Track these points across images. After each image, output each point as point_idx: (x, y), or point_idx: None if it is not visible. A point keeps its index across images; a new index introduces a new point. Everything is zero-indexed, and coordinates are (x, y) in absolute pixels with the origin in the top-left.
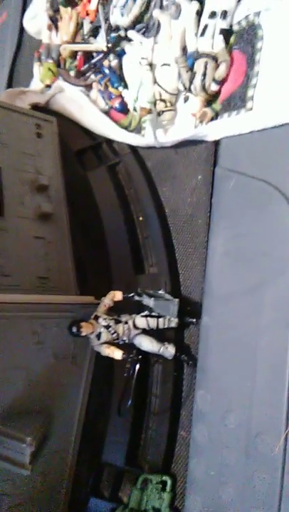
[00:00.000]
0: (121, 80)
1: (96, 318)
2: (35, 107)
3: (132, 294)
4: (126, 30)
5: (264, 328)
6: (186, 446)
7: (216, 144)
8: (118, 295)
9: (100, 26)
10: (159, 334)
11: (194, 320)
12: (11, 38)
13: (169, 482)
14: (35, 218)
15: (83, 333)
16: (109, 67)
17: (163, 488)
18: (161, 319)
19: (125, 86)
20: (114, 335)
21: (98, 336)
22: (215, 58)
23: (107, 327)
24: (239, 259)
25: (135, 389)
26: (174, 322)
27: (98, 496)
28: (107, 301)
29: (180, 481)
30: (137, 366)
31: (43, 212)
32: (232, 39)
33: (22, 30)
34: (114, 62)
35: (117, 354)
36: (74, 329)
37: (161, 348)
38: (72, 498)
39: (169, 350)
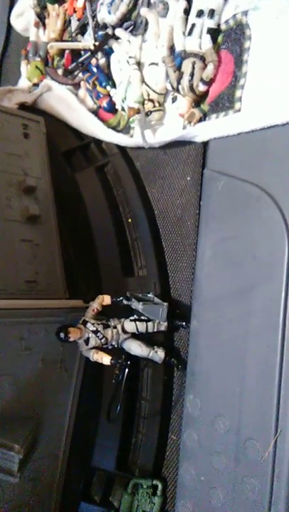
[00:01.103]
0: (109, 78)
1: (84, 323)
2: (23, 106)
3: (120, 298)
4: (113, 28)
5: (253, 333)
6: (177, 450)
7: (205, 145)
8: (107, 299)
9: (87, 24)
10: (148, 338)
11: (184, 323)
12: None
13: (159, 486)
14: (22, 221)
15: (71, 339)
16: (97, 66)
17: (154, 493)
18: (150, 323)
19: (113, 85)
20: (103, 340)
21: (86, 341)
22: (203, 58)
23: (96, 332)
24: (227, 263)
25: (125, 393)
26: (163, 326)
27: (89, 500)
28: (95, 305)
29: (171, 485)
30: (126, 372)
31: (31, 214)
32: (220, 38)
33: (9, 27)
34: (102, 61)
35: (106, 360)
36: (62, 335)
37: (150, 353)
38: (62, 504)
39: (159, 355)
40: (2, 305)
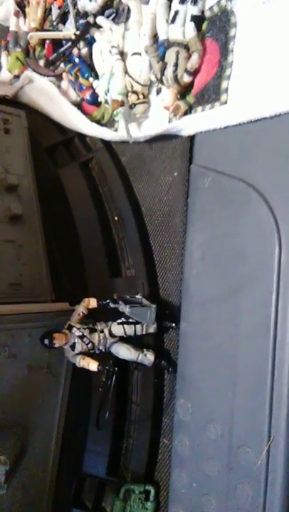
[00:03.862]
0: (92, 69)
1: (70, 327)
2: (3, 99)
3: (107, 301)
4: (95, 16)
5: (243, 335)
6: (169, 454)
7: (192, 139)
8: (92, 302)
9: (68, 12)
10: (137, 341)
11: (174, 324)
12: None
13: (152, 491)
14: (4, 221)
15: (56, 345)
16: (79, 56)
17: (146, 498)
18: (138, 325)
19: (96, 76)
20: (90, 345)
21: (72, 347)
22: (187, 47)
23: (82, 337)
24: (216, 263)
25: (114, 398)
26: (152, 328)
27: (80, 507)
28: (81, 309)
29: (164, 489)
30: (114, 378)
31: (13, 213)
32: (204, 26)
33: None
34: (84, 51)
35: (92, 366)
36: (46, 341)
37: (139, 356)
38: (54, 510)
39: (148, 358)
40: None
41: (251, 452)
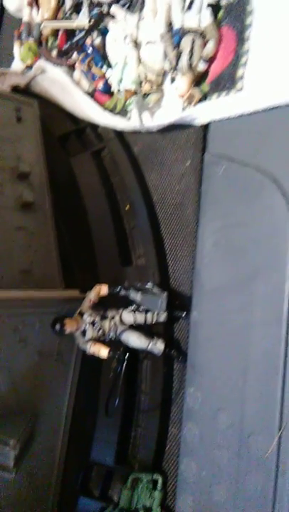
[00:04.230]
0: (105, 59)
1: (81, 314)
2: (16, 89)
3: (118, 289)
4: (109, 5)
5: (256, 324)
6: (177, 443)
7: (205, 127)
8: (104, 289)
9: (82, 2)
10: (147, 329)
11: (184, 314)
12: None
13: (159, 480)
14: (16, 208)
15: (67, 331)
16: (92, 46)
17: (154, 487)
18: (149, 314)
19: (109, 66)
20: (100, 332)
21: (83, 333)
22: (202, 35)
23: (93, 323)
24: (229, 252)
25: (123, 386)
26: (162, 317)
27: (88, 495)
28: (92, 296)
29: (171, 479)
30: (124, 365)
31: (25, 201)
32: (220, 14)
33: (2, 8)
34: (97, 41)
35: (103, 353)
36: (57, 327)
37: (149, 344)
38: (61, 499)
39: (158, 346)
40: None
41: (262, 441)
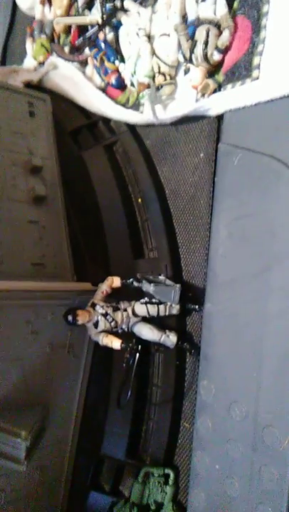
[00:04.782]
0: (117, 53)
1: (93, 305)
2: (28, 85)
3: (130, 280)
4: (122, 0)
5: (271, 315)
6: (189, 437)
7: (219, 118)
8: (116, 281)
9: None
10: (159, 322)
11: (197, 306)
12: (4, 15)
13: (171, 475)
14: (28, 201)
15: (80, 322)
16: (105, 41)
17: (165, 482)
18: (161, 306)
19: (122, 60)
20: (113, 323)
21: (96, 325)
22: (217, 25)
23: (105, 315)
24: (244, 242)
25: (135, 379)
26: (175, 309)
27: (98, 489)
28: (104, 287)
29: (183, 473)
30: (137, 356)
31: (37, 195)
32: (235, 3)
33: (15, 6)
34: (110, 35)
35: (116, 344)
36: (70, 318)
37: (162, 337)
38: (71, 493)
39: (171, 339)
40: (7, 286)
41: (277, 433)
